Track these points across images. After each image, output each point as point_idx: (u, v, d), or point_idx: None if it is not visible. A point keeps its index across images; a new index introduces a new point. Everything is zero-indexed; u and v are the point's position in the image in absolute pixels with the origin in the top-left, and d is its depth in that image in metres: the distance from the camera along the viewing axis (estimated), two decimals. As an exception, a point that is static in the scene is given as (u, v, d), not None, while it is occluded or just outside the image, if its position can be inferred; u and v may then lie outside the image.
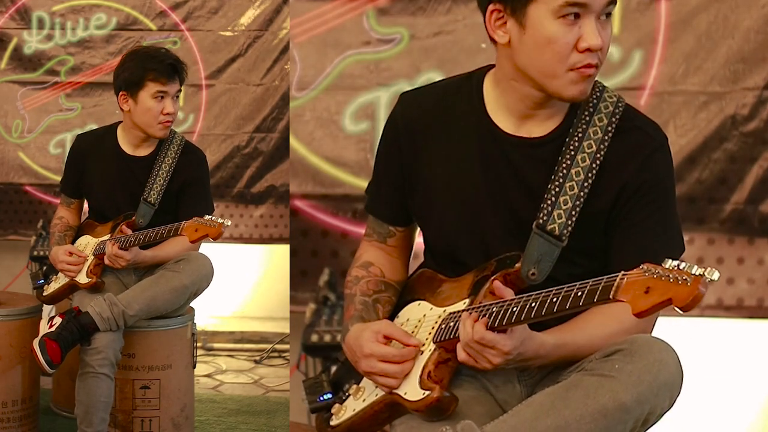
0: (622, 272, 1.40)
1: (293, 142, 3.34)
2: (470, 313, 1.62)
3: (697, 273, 1.31)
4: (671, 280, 1.32)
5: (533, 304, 1.52)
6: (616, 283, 1.39)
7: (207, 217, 2.74)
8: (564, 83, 1.64)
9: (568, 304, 1.47)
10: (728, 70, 3.13)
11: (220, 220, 2.69)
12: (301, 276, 3.32)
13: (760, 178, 3.14)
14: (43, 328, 2.94)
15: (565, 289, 1.48)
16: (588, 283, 1.45)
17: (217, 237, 2.70)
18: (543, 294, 1.52)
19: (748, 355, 3.27)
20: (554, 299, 1.49)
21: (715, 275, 1.31)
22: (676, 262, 1.34)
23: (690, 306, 1.31)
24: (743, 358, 3.27)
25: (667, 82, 3.14)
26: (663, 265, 1.35)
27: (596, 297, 1.42)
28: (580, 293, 1.45)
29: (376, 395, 1.80)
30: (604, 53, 1.64)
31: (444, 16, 3.20)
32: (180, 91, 3.11)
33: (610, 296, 1.40)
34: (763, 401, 3.33)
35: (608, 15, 1.64)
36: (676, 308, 1.32)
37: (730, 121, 3.14)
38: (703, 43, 3.13)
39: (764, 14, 3.10)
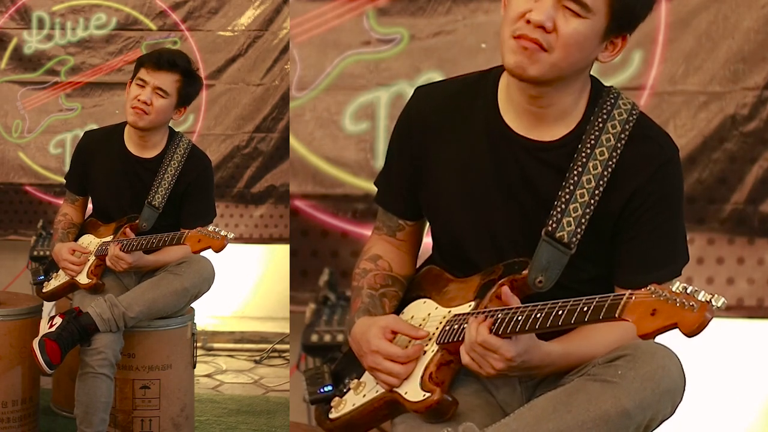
0: (629, 292, 1.40)
1: (293, 142, 3.34)
2: (476, 317, 1.62)
3: (703, 299, 1.32)
4: (678, 305, 1.33)
5: (538, 315, 1.52)
6: (622, 303, 1.40)
7: (211, 228, 2.73)
8: (506, 50, 1.65)
9: (573, 319, 1.47)
10: (728, 70, 3.13)
11: (223, 233, 2.69)
12: (301, 276, 3.32)
13: (760, 178, 3.14)
14: (43, 328, 2.94)
15: (571, 302, 1.49)
16: (594, 299, 1.45)
17: (219, 250, 2.70)
18: (549, 306, 1.52)
19: (748, 355, 3.27)
20: (560, 312, 1.49)
21: (721, 302, 1.32)
22: (683, 285, 1.34)
23: (696, 333, 1.31)
24: (743, 358, 3.26)
25: (667, 82, 3.14)
26: (670, 287, 1.35)
27: (602, 314, 1.43)
28: (586, 308, 1.46)
29: (377, 392, 1.80)
30: (561, 45, 1.61)
31: (444, 16, 3.20)
32: (182, 98, 3.09)
33: (616, 315, 1.40)
34: (763, 401, 3.33)
35: (580, 8, 1.60)
36: (682, 333, 1.32)
37: (730, 121, 3.14)
38: (703, 43, 3.13)
39: (764, 14, 3.10)
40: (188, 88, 3.10)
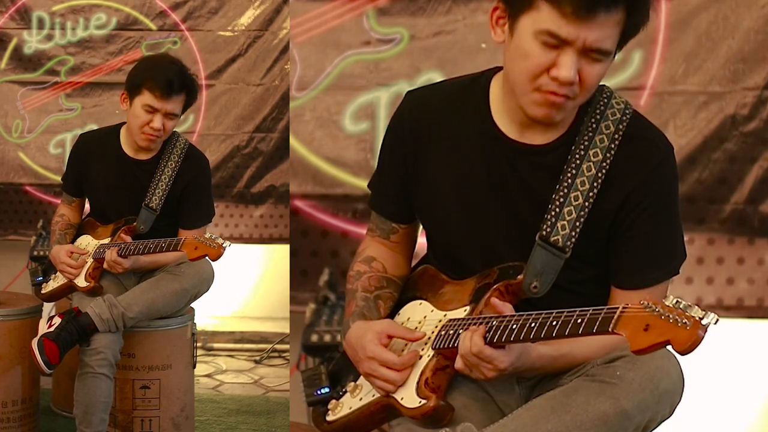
0: (622, 305, 1.39)
1: (293, 142, 3.34)
2: (470, 329, 1.61)
3: (696, 316, 1.30)
4: (671, 321, 1.31)
5: (533, 325, 1.51)
6: (615, 317, 1.39)
7: (208, 235, 2.72)
8: (528, 101, 1.63)
9: (567, 331, 1.46)
10: (728, 70, 3.13)
11: (220, 241, 2.67)
12: (301, 276, 3.32)
13: (760, 178, 3.14)
14: (42, 328, 2.94)
15: (565, 313, 1.48)
16: (588, 311, 1.44)
17: (216, 258, 2.69)
18: (543, 315, 1.51)
19: (748, 355, 3.27)
20: (554, 323, 1.48)
21: (713, 318, 1.31)
22: (676, 299, 1.33)
23: (689, 350, 1.30)
24: (743, 358, 3.26)
25: (667, 82, 3.14)
26: (664, 301, 1.34)
27: (595, 327, 1.42)
28: (580, 321, 1.45)
29: (373, 395, 1.79)
30: (585, 90, 1.62)
31: (444, 16, 3.20)
32: (183, 109, 3.05)
33: (609, 329, 1.39)
34: (763, 401, 3.33)
35: (601, 56, 1.59)
36: (675, 351, 1.31)
37: (730, 121, 3.14)
38: (703, 43, 3.13)
39: (764, 14, 3.10)
40: (191, 100, 3.09)
